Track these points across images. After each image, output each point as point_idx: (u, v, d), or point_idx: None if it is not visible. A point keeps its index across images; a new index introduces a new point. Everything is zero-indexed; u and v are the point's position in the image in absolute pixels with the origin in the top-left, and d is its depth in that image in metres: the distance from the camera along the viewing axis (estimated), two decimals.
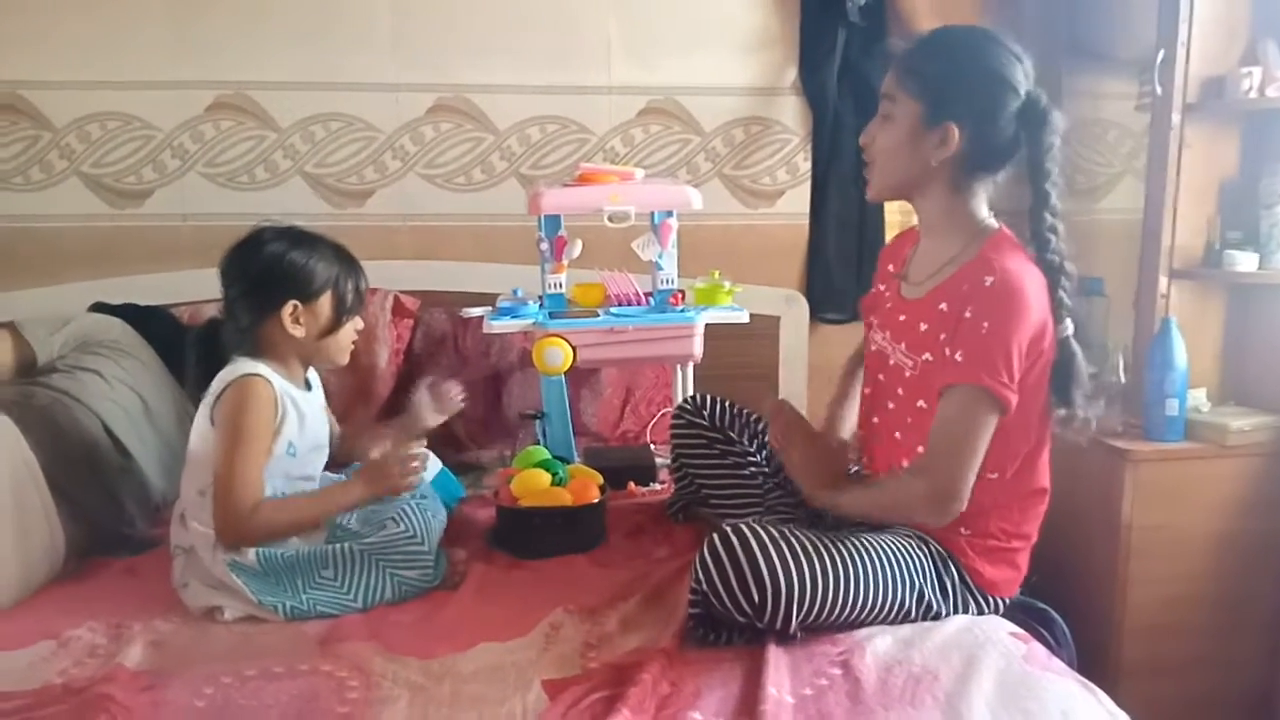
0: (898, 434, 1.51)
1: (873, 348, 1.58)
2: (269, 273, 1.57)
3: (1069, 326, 1.40)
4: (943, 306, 1.42)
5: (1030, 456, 1.45)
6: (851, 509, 1.48)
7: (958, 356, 1.36)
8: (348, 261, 1.64)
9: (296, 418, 1.59)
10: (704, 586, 1.31)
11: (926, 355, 1.44)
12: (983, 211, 1.46)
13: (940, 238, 1.48)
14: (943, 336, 1.40)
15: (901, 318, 1.51)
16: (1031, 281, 1.37)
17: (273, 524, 1.51)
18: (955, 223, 1.46)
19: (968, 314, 1.36)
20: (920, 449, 1.44)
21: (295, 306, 1.57)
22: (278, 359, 1.60)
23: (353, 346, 1.69)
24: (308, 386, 1.68)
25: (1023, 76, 1.40)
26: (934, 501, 1.38)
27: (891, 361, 1.51)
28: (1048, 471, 1.49)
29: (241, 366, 1.55)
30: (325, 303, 1.60)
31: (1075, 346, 1.40)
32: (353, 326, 1.66)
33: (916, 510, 1.42)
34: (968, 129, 1.39)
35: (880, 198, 1.53)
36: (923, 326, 1.45)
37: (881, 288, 1.63)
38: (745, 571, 1.28)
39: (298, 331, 1.58)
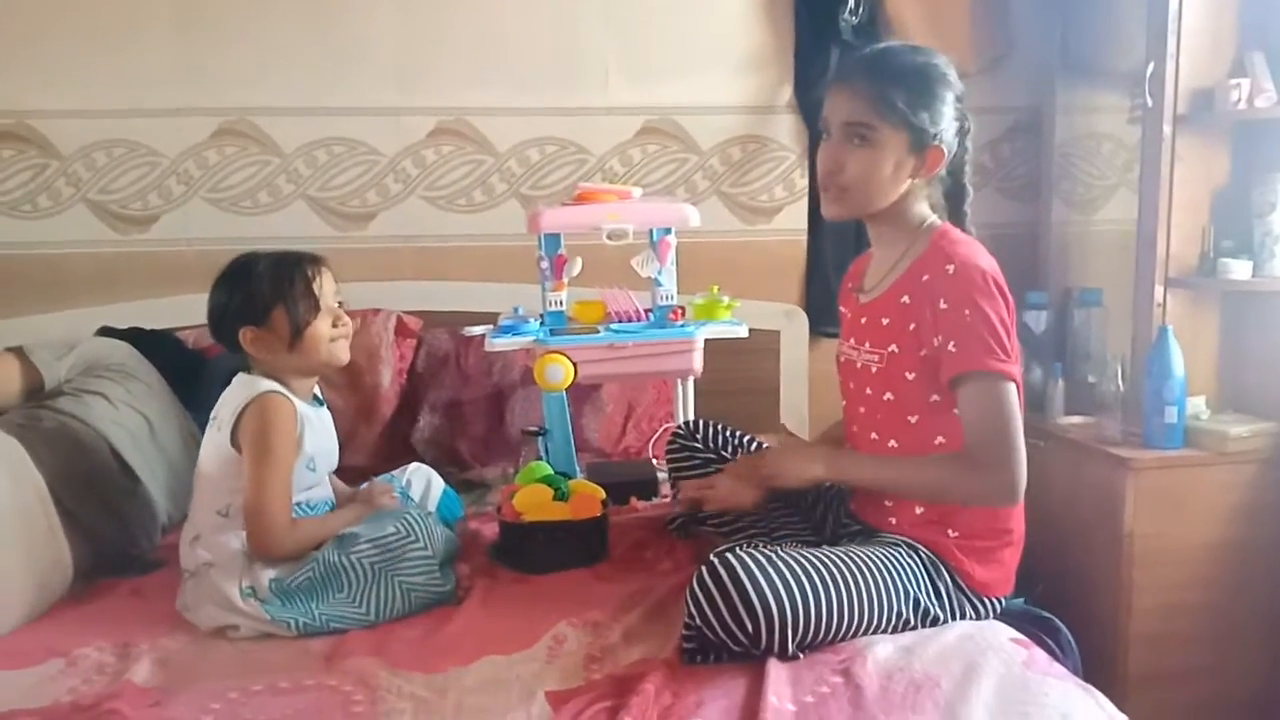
0: (874, 434, 1.53)
1: (841, 359, 1.61)
2: (215, 315, 1.61)
3: None
4: (905, 300, 1.46)
5: None
6: (882, 480, 1.50)
7: (951, 347, 1.39)
8: (287, 267, 1.60)
9: (312, 433, 1.62)
10: (698, 621, 1.30)
11: (893, 347, 1.47)
12: (925, 209, 1.52)
13: (890, 243, 1.54)
14: (912, 326, 1.44)
15: (863, 320, 1.55)
16: (988, 260, 1.43)
17: (310, 537, 1.56)
18: (902, 226, 1.51)
19: (943, 304, 1.40)
20: (894, 443, 1.48)
21: (250, 332, 1.58)
22: (278, 379, 1.61)
23: (344, 339, 1.65)
24: (319, 403, 1.70)
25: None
26: (1000, 491, 1.41)
27: (859, 365, 1.54)
28: None
29: (256, 385, 1.57)
30: (279, 316, 1.58)
31: None
32: (325, 324, 1.61)
33: (984, 500, 1.44)
34: (944, 147, 1.46)
35: (843, 219, 1.55)
36: (884, 321, 1.49)
37: (844, 310, 1.67)
38: (736, 603, 1.27)
39: (264, 354, 1.59)
